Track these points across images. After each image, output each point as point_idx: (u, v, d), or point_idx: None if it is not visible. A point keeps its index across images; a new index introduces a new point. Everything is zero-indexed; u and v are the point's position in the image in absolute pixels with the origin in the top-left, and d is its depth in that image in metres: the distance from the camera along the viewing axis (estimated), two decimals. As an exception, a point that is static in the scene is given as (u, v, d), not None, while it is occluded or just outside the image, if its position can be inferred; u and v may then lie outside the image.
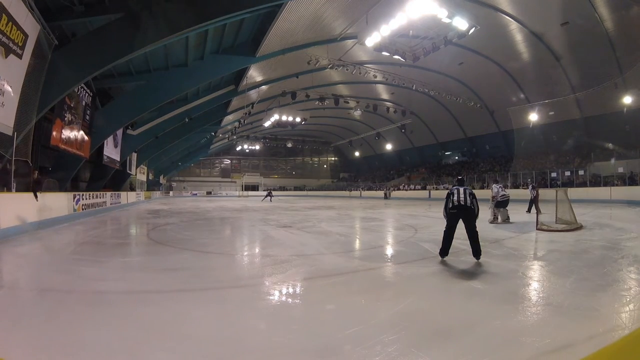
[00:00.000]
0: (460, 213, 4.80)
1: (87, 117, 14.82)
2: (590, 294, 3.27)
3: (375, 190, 40.26)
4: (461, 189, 4.94)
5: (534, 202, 10.91)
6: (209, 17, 10.64)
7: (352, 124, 43.43)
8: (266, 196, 28.82)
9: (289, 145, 45.85)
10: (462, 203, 4.78)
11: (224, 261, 5.27)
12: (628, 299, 3.16)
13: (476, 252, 4.70)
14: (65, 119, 12.65)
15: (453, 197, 4.89)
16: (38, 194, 8.64)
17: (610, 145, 23.32)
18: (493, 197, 9.50)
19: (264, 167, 58.74)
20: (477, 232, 4.74)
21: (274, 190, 54.50)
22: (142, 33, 10.35)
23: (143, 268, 4.82)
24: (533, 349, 2.21)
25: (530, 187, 13.61)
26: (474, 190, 5.05)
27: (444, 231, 4.90)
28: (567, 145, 26.51)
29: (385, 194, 33.41)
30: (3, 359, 1.98)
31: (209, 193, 50.45)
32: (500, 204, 9.41)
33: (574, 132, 25.58)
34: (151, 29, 10.37)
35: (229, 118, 29.98)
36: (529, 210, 12.12)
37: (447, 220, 4.96)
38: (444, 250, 4.88)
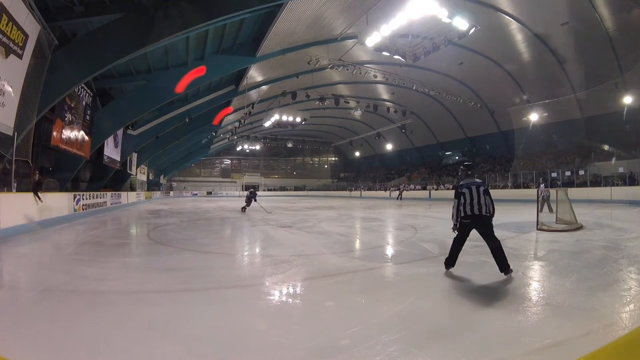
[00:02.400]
0: (475, 223, 3.90)
1: (88, 117, 14.84)
2: (591, 294, 3.26)
3: (376, 190, 40.28)
4: (473, 188, 3.90)
5: (546, 201, 10.98)
6: (210, 17, 10.65)
7: (353, 124, 43.44)
8: (248, 201, 14.88)
9: (289, 145, 45.83)
10: (477, 212, 3.81)
11: (225, 261, 5.27)
12: (628, 299, 3.15)
13: (504, 266, 3.77)
14: (66, 119, 12.67)
15: (465, 200, 3.90)
16: (39, 194, 8.65)
17: (610, 146, 23.29)
18: None
19: (264, 167, 58.75)
20: (499, 241, 3.85)
21: (273, 190, 54.92)
22: (142, 33, 10.36)
23: (143, 268, 4.82)
24: (533, 349, 2.20)
25: (542, 185, 13.76)
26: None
27: (454, 239, 4.10)
28: (567, 145, 26.50)
29: (399, 195, 29.76)
30: (7, 358, 1.98)
31: (209, 193, 50.44)
32: None
33: (574, 132, 25.56)
34: (151, 30, 10.38)
35: (229, 118, 29.99)
36: (541, 210, 11.90)
37: (458, 231, 4.04)
38: (451, 261, 4.09)
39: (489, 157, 34.13)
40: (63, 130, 12.56)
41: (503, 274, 3.77)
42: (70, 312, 2.94)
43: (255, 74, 20.60)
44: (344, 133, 48.08)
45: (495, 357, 2.13)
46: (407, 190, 34.74)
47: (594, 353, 1.13)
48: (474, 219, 3.86)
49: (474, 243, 6.11)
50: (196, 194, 48.87)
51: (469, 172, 4.28)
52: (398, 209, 16.92)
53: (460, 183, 4.11)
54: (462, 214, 3.92)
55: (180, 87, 15.94)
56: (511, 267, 3.79)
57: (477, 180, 4.04)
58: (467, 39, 15.52)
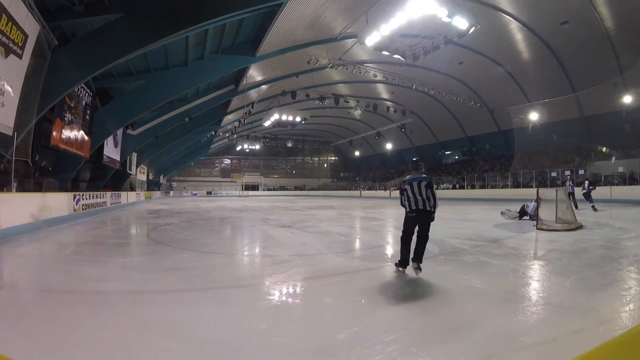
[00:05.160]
0: (420, 217, 4.10)
1: (87, 117, 14.83)
2: (591, 293, 3.27)
3: (376, 189, 40.31)
4: (415, 184, 4.05)
5: (572, 196, 11.30)
6: (209, 17, 10.63)
7: (352, 124, 43.43)
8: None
9: (289, 144, 45.78)
10: (422, 207, 4.02)
11: (225, 261, 5.27)
12: (628, 299, 3.16)
13: (418, 257, 4.01)
14: (65, 118, 12.66)
15: (408, 195, 4.09)
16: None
17: (610, 145, 23.29)
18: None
19: (264, 167, 58.76)
20: (427, 236, 4.15)
21: (273, 189, 55.04)
22: (141, 33, 10.35)
23: (143, 268, 4.82)
24: (533, 348, 2.21)
25: (568, 182, 14.24)
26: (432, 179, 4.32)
27: (401, 238, 4.20)
28: (567, 144, 26.50)
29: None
30: (6, 356, 1.98)
31: (209, 193, 50.46)
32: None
33: (574, 131, 25.57)
34: (151, 29, 10.37)
35: (229, 118, 29.99)
36: (576, 207, 11.82)
37: (404, 225, 4.21)
38: (404, 261, 4.14)
39: (489, 157, 34.13)
40: (63, 130, 12.55)
41: (413, 262, 4.00)
42: (70, 312, 2.94)
43: (254, 74, 20.58)
44: (343, 132, 48.07)
45: (495, 356, 2.14)
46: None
47: (593, 351, 1.13)
48: (418, 213, 4.06)
49: (474, 243, 6.16)
50: (196, 194, 48.89)
51: (416, 168, 4.32)
52: (397, 209, 16.88)
53: (404, 179, 4.27)
54: (408, 209, 4.14)
55: None
56: (421, 266, 3.99)
57: (422, 175, 4.17)
58: (467, 38, 15.51)
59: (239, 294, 3.53)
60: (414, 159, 4.44)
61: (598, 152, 23.98)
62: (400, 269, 4.15)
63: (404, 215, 4.25)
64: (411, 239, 4.13)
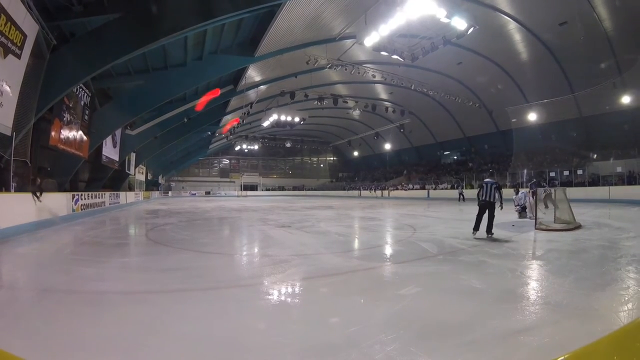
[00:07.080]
0: (486, 205, 6.69)
1: (86, 117, 14.79)
2: (589, 293, 3.28)
3: (372, 190, 40.31)
4: (487, 185, 6.78)
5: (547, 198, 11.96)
6: (208, 17, 10.64)
7: (351, 124, 43.44)
8: None
9: (288, 145, 45.76)
10: (487, 199, 6.70)
11: (224, 261, 5.27)
12: (626, 298, 3.17)
13: (489, 229, 6.62)
14: (64, 119, 12.63)
15: (481, 191, 6.81)
16: (38, 194, 8.62)
17: (608, 145, 23.33)
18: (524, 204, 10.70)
19: (262, 167, 58.71)
20: (494, 216, 6.70)
21: (272, 190, 55.04)
22: (140, 33, 10.35)
23: (142, 268, 4.81)
24: (531, 348, 2.22)
25: (530, 184, 14.53)
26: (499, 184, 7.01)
27: (476, 216, 6.80)
28: (565, 144, 26.53)
29: (460, 195, 23.36)
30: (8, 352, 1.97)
31: (207, 193, 50.41)
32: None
33: (572, 131, 25.61)
34: (149, 29, 10.37)
35: (228, 118, 29.95)
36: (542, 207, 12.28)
37: (478, 210, 6.84)
38: (475, 227, 6.70)
39: (488, 157, 34.15)
40: (61, 130, 12.51)
41: (487, 234, 6.60)
42: (69, 312, 2.94)
43: (253, 74, 20.58)
44: (342, 133, 48.09)
45: (493, 356, 2.14)
46: (405, 190, 34.70)
47: (589, 347, 1.14)
48: (484, 203, 6.72)
49: (472, 242, 6.18)
50: (194, 194, 48.84)
51: (491, 175, 7.01)
52: (396, 209, 16.91)
53: (484, 180, 7.13)
54: (479, 200, 6.83)
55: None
56: (494, 233, 6.66)
57: (492, 180, 7.06)
58: (466, 38, 15.52)
59: (238, 294, 3.52)
60: (490, 170, 7.43)
61: (597, 152, 24.01)
62: (473, 232, 6.73)
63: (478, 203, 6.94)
64: (481, 217, 6.70)
